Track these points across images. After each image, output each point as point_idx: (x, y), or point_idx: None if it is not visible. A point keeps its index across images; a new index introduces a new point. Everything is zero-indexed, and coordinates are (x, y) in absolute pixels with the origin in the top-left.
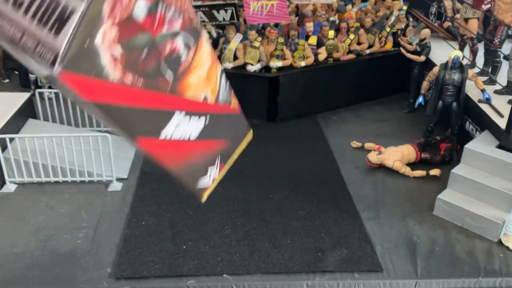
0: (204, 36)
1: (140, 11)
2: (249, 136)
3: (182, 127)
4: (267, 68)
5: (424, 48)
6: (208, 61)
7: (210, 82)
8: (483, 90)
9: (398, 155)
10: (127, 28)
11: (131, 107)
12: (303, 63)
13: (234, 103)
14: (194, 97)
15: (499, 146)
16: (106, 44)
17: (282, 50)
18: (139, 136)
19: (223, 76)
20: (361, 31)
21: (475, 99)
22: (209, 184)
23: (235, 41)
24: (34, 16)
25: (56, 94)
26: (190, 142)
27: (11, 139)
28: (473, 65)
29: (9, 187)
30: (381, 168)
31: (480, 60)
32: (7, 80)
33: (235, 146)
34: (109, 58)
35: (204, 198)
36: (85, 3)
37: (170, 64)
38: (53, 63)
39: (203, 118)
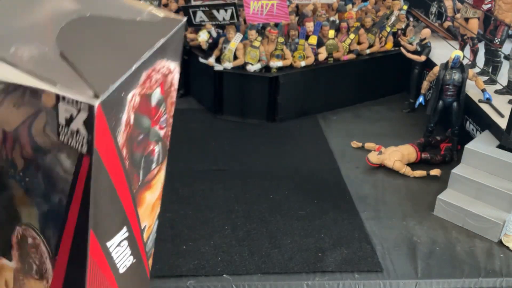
0: (166, 159)
1: (155, 96)
2: None
3: (120, 251)
4: (267, 68)
5: (424, 48)
6: (160, 188)
7: (152, 214)
8: (483, 90)
9: (398, 155)
10: (143, 104)
11: (108, 184)
12: (303, 63)
13: (150, 263)
14: (140, 218)
15: (500, 146)
16: (130, 106)
17: (282, 50)
18: (92, 230)
19: (157, 222)
20: (361, 31)
21: (476, 99)
22: None
23: (235, 40)
24: None
25: None
26: (113, 279)
27: None
28: (473, 65)
29: None
30: (381, 168)
31: (480, 60)
32: None
33: None
34: (126, 121)
35: None
36: (137, 64)
37: (145, 164)
38: (95, 96)
39: (134, 259)
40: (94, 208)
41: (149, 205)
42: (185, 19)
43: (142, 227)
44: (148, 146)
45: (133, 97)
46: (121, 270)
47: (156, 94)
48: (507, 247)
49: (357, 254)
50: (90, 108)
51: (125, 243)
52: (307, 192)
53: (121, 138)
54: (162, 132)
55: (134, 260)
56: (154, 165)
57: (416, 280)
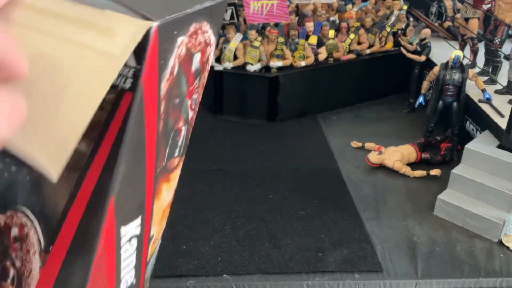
0: (183, 157)
1: (195, 60)
2: None
3: (128, 253)
4: (267, 68)
5: (424, 48)
6: (172, 193)
7: (161, 224)
8: (483, 90)
9: (398, 155)
10: (186, 61)
11: (140, 141)
12: (303, 63)
13: None
14: (153, 219)
15: (500, 146)
16: (177, 53)
17: (282, 50)
18: (112, 197)
19: (160, 242)
20: (361, 31)
21: (476, 99)
22: None
23: (235, 40)
24: None
25: None
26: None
27: None
28: (473, 65)
29: None
30: (381, 168)
31: (480, 60)
32: None
33: None
34: (171, 68)
35: None
36: (190, 9)
37: (172, 142)
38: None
39: (135, 278)
40: (124, 165)
41: (162, 207)
42: None
43: (151, 234)
44: (179, 120)
45: (181, 44)
46: (122, 287)
47: (197, 59)
48: (507, 247)
49: (357, 254)
50: (147, 31)
51: (135, 242)
52: (307, 192)
53: (163, 87)
54: (190, 114)
55: (134, 281)
56: (177, 152)
57: (416, 280)
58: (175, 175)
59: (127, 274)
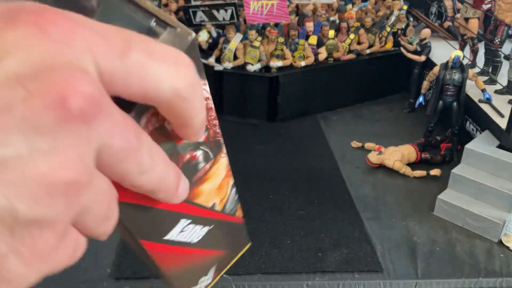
0: (224, 150)
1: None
2: (247, 247)
3: (185, 233)
4: (267, 68)
5: (424, 48)
6: (224, 173)
7: (221, 192)
8: (483, 90)
9: (398, 155)
10: (156, 135)
11: (141, 205)
12: (303, 63)
13: (239, 214)
14: (202, 205)
15: (500, 146)
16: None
17: (282, 50)
18: (142, 240)
19: (234, 188)
20: (361, 31)
21: (476, 99)
22: None
23: (235, 40)
24: None
25: None
26: (189, 249)
27: None
28: (473, 65)
29: None
30: (381, 168)
31: (480, 60)
32: None
33: (231, 257)
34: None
35: None
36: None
37: (186, 171)
38: None
39: (207, 226)
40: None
41: (212, 190)
42: (193, 35)
43: (210, 206)
44: (182, 158)
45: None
46: (193, 244)
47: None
48: (507, 247)
49: (357, 254)
50: None
51: (190, 226)
52: (307, 192)
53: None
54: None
55: (210, 230)
56: (200, 166)
57: (416, 280)
58: (215, 170)
59: (197, 235)
